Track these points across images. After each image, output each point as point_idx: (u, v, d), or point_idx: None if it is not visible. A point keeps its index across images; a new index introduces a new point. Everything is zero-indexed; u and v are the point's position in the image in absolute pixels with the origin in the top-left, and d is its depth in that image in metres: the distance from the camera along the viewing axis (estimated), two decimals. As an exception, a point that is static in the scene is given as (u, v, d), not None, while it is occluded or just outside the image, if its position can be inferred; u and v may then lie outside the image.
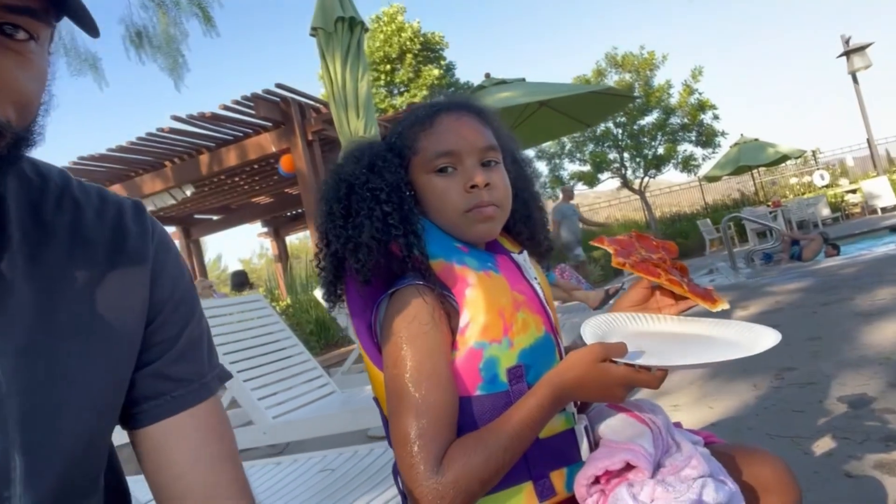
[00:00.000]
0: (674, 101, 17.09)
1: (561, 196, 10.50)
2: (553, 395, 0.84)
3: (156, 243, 0.70)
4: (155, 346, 0.68)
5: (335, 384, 3.37)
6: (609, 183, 18.86)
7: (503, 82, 6.52)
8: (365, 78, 3.96)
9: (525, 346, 0.91)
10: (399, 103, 17.64)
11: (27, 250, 0.59)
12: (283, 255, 13.48)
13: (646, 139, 17.21)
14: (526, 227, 1.08)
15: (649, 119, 17.22)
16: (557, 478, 0.90)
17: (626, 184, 17.86)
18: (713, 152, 17.52)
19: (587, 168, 17.77)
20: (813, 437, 2.23)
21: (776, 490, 0.97)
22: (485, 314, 0.89)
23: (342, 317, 4.41)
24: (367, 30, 4.20)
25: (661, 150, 17.28)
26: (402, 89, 18.11)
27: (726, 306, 0.97)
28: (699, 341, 0.93)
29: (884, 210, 14.81)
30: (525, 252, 1.04)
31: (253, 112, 7.44)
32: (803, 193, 17.98)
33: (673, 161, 17.44)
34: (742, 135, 17.04)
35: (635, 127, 17.09)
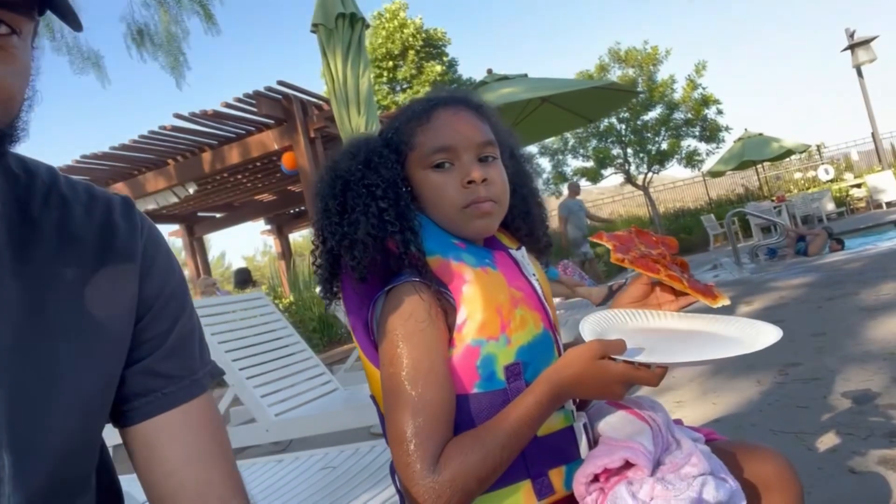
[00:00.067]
0: (677, 96, 17.03)
1: (567, 192, 10.45)
2: (551, 392, 0.83)
3: (145, 239, 0.69)
4: (145, 343, 0.67)
5: (338, 381, 3.37)
6: (612, 179, 18.84)
7: (505, 78, 6.49)
8: (366, 74, 3.95)
9: (523, 344, 0.90)
10: (401, 100, 17.63)
11: (14, 248, 0.59)
12: (286, 252, 13.49)
13: (649, 134, 17.15)
14: (525, 223, 1.07)
15: (653, 114, 17.16)
16: (556, 476, 0.89)
17: (629, 179, 17.81)
18: (717, 147, 17.46)
19: (590, 164, 17.73)
20: (817, 433, 2.21)
21: (778, 487, 0.96)
22: (482, 311, 0.88)
23: (342, 314, 4.41)
24: (367, 26, 4.18)
25: (664, 146, 17.22)
26: (404, 86, 18.09)
27: (727, 302, 0.96)
28: (700, 338, 0.92)
29: (889, 204, 14.75)
30: (523, 248, 1.03)
31: (255, 109, 7.43)
32: (808, 188, 17.91)
33: (677, 156, 17.38)
34: (746, 129, 16.98)
35: (639, 122, 17.04)
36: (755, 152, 15.96)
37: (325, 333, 6.34)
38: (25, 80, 0.55)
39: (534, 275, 1.00)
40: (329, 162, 1.00)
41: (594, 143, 17.56)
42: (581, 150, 17.88)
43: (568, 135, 17.46)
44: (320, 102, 7.85)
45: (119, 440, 0.72)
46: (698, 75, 16.94)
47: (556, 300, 5.19)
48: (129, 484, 0.82)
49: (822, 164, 18.60)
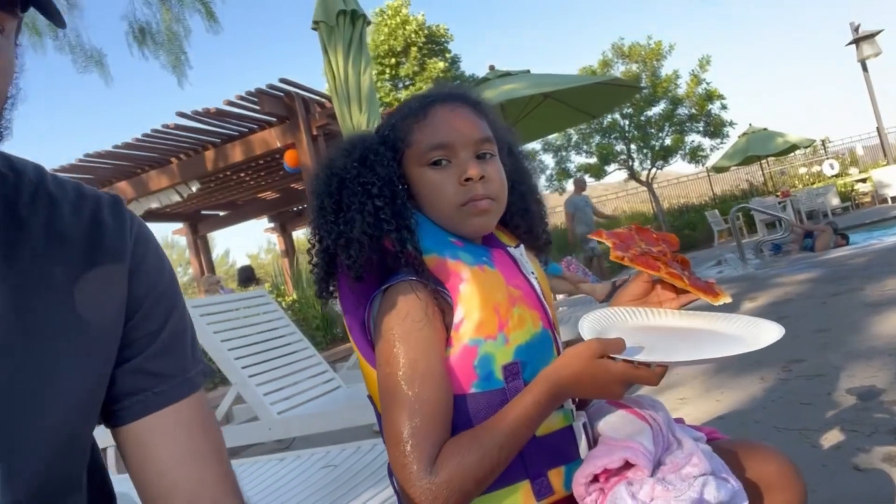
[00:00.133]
0: (681, 91, 16.97)
1: (573, 188, 10.41)
2: (549, 392, 0.82)
3: (134, 238, 0.69)
4: (136, 342, 0.66)
5: (340, 379, 3.37)
6: (616, 175, 18.79)
7: (507, 74, 6.47)
8: (367, 72, 3.93)
9: (521, 343, 0.89)
10: (404, 97, 17.59)
11: (1, 247, 0.58)
12: (289, 250, 13.50)
13: (653, 130, 17.11)
14: (523, 220, 1.06)
15: (656, 110, 17.11)
16: (555, 476, 0.88)
17: (633, 175, 17.77)
18: (721, 143, 17.40)
19: (594, 160, 17.69)
20: (821, 430, 2.20)
21: (781, 486, 0.95)
22: (479, 310, 0.87)
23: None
24: (369, 23, 4.17)
25: (668, 141, 17.17)
26: (406, 83, 18.07)
27: (728, 300, 0.94)
28: (701, 336, 0.91)
29: (894, 199, 14.66)
30: (522, 246, 1.02)
31: (257, 108, 7.42)
32: (813, 183, 17.83)
33: (681, 152, 17.33)
34: (750, 124, 16.90)
35: (642, 118, 16.99)
36: (760, 147, 15.89)
37: (328, 331, 6.34)
38: (8, 79, 0.55)
39: (532, 273, 0.99)
40: (325, 160, 0.99)
41: (597, 139, 17.52)
42: (584, 147, 17.85)
43: (571, 131, 17.43)
44: (322, 100, 7.83)
45: (112, 442, 0.71)
46: (702, 70, 16.88)
47: (560, 297, 5.18)
48: (127, 484, 0.82)
49: (827, 158, 18.51)
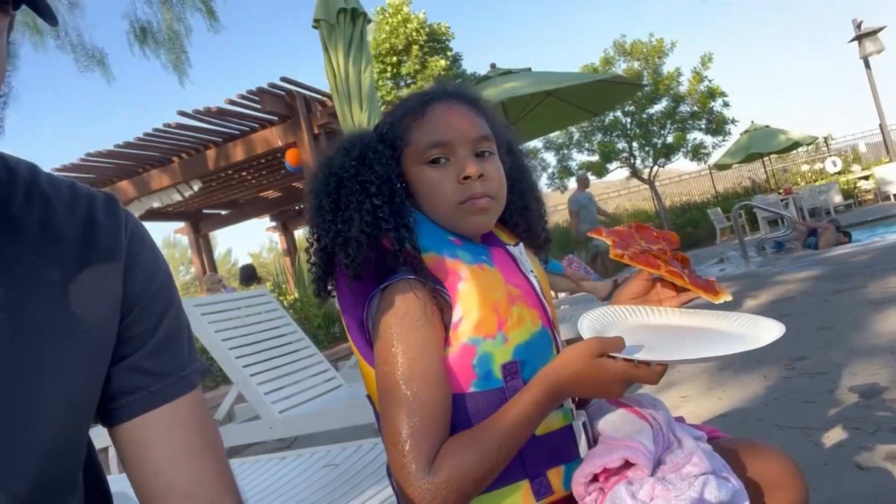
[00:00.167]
0: (683, 88, 16.93)
1: (576, 185, 10.38)
2: (548, 391, 0.81)
3: (129, 236, 0.68)
4: (131, 340, 0.66)
5: (342, 378, 3.37)
6: (618, 173, 18.76)
7: (509, 72, 6.45)
8: (368, 70, 3.93)
9: (520, 342, 0.88)
10: (406, 95, 17.46)
11: None
12: (291, 248, 13.50)
13: (655, 128, 17.07)
14: (523, 218, 1.06)
15: (658, 107, 17.08)
16: (555, 476, 0.88)
17: (635, 173, 17.74)
18: (723, 140, 17.36)
19: (595, 158, 17.66)
20: (823, 428, 2.19)
21: (782, 486, 0.95)
22: (478, 309, 0.87)
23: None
24: (369, 21, 4.16)
25: (670, 139, 17.13)
26: (408, 81, 18.04)
27: (729, 298, 0.94)
28: (701, 334, 0.91)
29: (897, 196, 14.64)
30: (521, 244, 1.02)
31: (259, 106, 7.42)
32: (815, 180, 17.79)
33: (682, 149, 17.30)
34: (753, 122, 16.84)
35: (644, 115, 16.96)
36: (762, 145, 15.83)
37: (329, 329, 6.34)
38: (1, 77, 0.54)
39: (532, 271, 0.98)
40: (323, 158, 0.98)
41: (599, 137, 17.49)
42: (586, 145, 17.82)
43: (573, 129, 17.41)
44: (324, 99, 7.83)
45: (107, 443, 0.71)
46: (704, 67, 16.84)
47: (562, 295, 5.17)
48: (126, 483, 0.82)
49: (830, 156, 18.47)
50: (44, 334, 0.58)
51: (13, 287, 0.57)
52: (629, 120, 17.07)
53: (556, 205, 21.99)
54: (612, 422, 0.91)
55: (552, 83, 6.18)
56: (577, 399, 0.97)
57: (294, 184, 11.16)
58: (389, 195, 0.91)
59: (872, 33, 14.41)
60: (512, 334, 0.88)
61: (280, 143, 7.92)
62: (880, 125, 15.55)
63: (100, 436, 0.83)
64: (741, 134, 16.81)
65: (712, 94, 16.77)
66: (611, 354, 0.80)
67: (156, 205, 8.78)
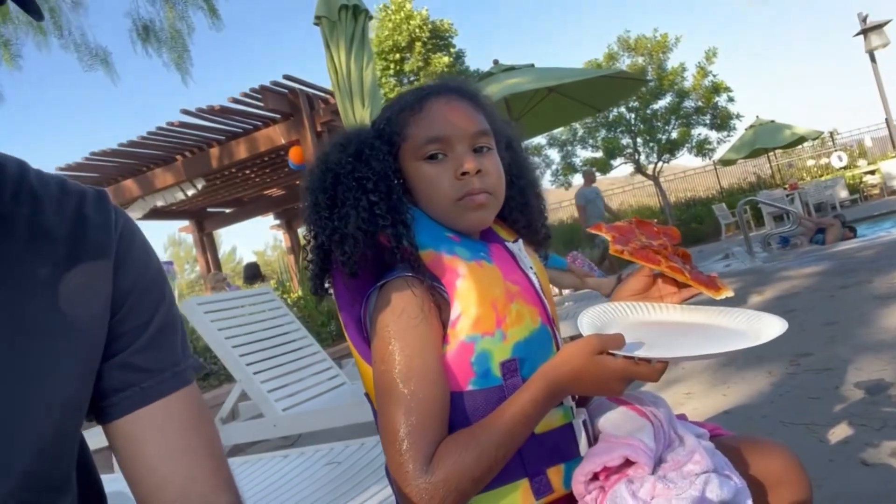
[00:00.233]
0: (688, 84, 16.87)
1: (582, 181, 10.33)
2: (547, 389, 0.80)
3: (119, 232, 0.67)
4: (122, 337, 0.65)
5: (346, 375, 3.36)
6: (622, 169, 18.73)
7: (512, 68, 6.43)
8: (370, 66, 3.91)
9: (519, 339, 0.87)
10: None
11: None
12: (295, 246, 13.51)
13: (659, 123, 17.03)
14: (522, 214, 1.04)
15: (662, 103, 17.04)
16: (555, 474, 0.87)
17: (639, 169, 17.70)
18: (728, 135, 17.30)
19: (599, 154, 17.62)
20: (829, 425, 2.18)
21: (785, 483, 0.93)
22: (476, 306, 0.86)
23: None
24: (371, 17, 4.15)
25: (674, 135, 17.09)
26: (411, 78, 18.02)
27: (731, 294, 0.93)
28: (702, 331, 0.90)
29: (903, 191, 14.56)
30: (520, 241, 1.00)
31: (262, 104, 7.42)
32: (821, 175, 17.71)
33: (687, 145, 17.25)
34: (758, 117, 16.78)
35: (648, 111, 16.91)
36: (767, 140, 15.77)
37: (333, 327, 6.34)
38: None
39: (531, 268, 0.97)
40: (320, 154, 0.97)
41: (603, 133, 17.46)
42: (590, 141, 17.80)
43: (577, 125, 17.38)
44: (326, 96, 7.82)
45: (104, 443, 0.70)
46: (709, 62, 16.78)
47: (566, 292, 5.15)
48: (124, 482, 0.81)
49: (836, 150, 18.39)
50: (35, 332, 0.58)
51: (2, 285, 0.57)
52: (633, 116, 17.03)
53: (561, 201, 21.98)
54: (613, 420, 0.90)
55: (555, 79, 6.15)
56: (576, 397, 0.96)
57: (297, 182, 11.15)
58: (386, 191, 0.90)
59: (878, 27, 14.32)
60: (511, 331, 0.87)
61: (283, 141, 7.92)
62: (886, 119, 15.47)
63: (99, 435, 0.82)
64: (746, 129, 16.75)
65: (717, 89, 16.72)
66: (611, 352, 0.79)
67: (160, 203, 8.79)
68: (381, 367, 0.83)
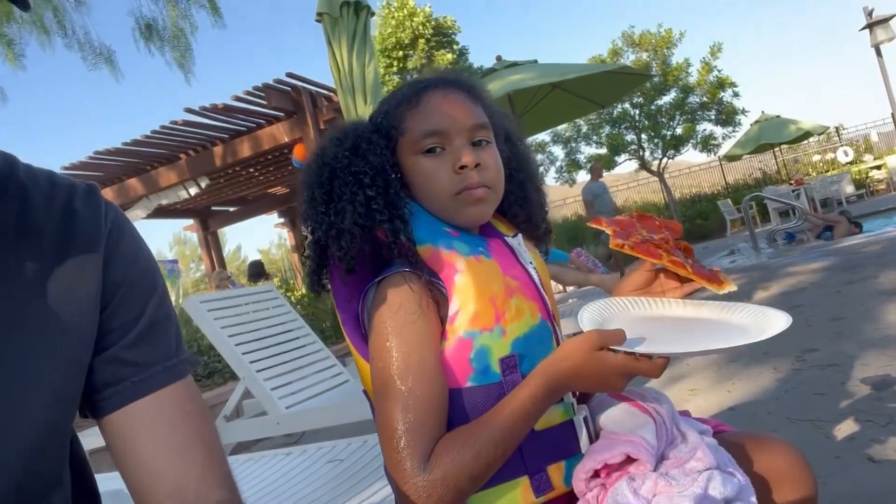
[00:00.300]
0: (692, 79, 16.79)
1: (590, 175, 10.29)
2: (547, 385, 0.79)
3: (109, 225, 0.67)
4: (113, 331, 0.65)
5: (349, 373, 3.36)
6: (627, 165, 18.68)
7: (514, 65, 6.41)
8: (372, 63, 3.90)
9: (519, 335, 0.86)
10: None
11: None
12: (299, 245, 13.52)
13: (664, 119, 16.96)
14: (522, 209, 1.03)
15: (667, 98, 16.96)
16: (555, 472, 0.86)
17: (644, 166, 17.64)
18: (733, 131, 17.22)
19: (604, 151, 17.57)
20: (835, 421, 2.16)
21: (790, 480, 0.92)
22: (474, 301, 0.85)
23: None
24: (373, 14, 4.14)
25: (679, 130, 17.02)
26: (415, 76, 17.99)
27: (734, 288, 0.91)
28: (705, 326, 0.88)
29: (910, 186, 14.47)
30: (520, 235, 0.99)
31: (265, 102, 7.41)
32: (827, 171, 17.62)
33: (692, 141, 17.18)
34: (763, 112, 16.68)
35: (653, 107, 16.84)
36: (772, 135, 15.68)
37: (337, 325, 6.34)
38: None
39: (531, 263, 0.96)
40: (317, 149, 0.96)
41: (607, 129, 17.39)
42: (594, 137, 17.74)
43: (581, 121, 17.32)
44: (329, 94, 7.80)
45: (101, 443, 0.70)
46: (714, 58, 16.69)
47: (570, 289, 5.13)
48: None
49: (842, 145, 18.28)
50: (24, 328, 0.57)
51: None
52: (638, 112, 16.96)
53: (565, 198, 21.93)
54: (614, 416, 0.89)
55: (558, 75, 6.13)
56: (577, 393, 0.95)
57: (302, 180, 11.14)
58: (384, 186, 0.89)
59: (884, 21, 14.21)
60: (510, 327, 0.86)
61: (287, 139, 7.91)
62: (892, 114, 15.35)
63: (99, 435, 0.82)
64: (751, 124, 16.67)
65: (722, 84, 16.63)
66: (611, 347, 0.78)
67: (164, 202, 8.80)
68: (379, 364, 0.82)
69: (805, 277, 5.14)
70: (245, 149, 8.17)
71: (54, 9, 7.52)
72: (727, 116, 16.87)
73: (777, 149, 17.65)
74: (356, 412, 2.71)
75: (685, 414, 1.00)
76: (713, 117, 17.04)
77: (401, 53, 17.75)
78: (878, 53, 14.67)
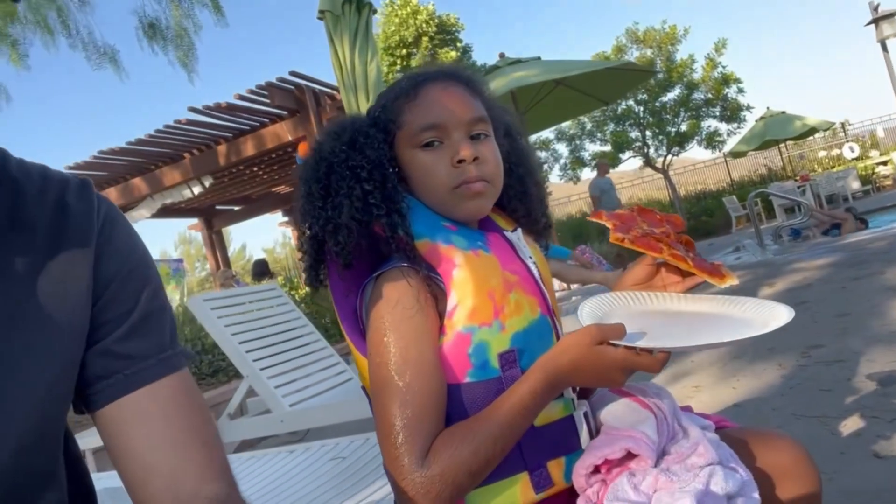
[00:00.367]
0: (697, 75, 16.73)
1: (596, 171, 10.27)
2: (546, 380, 0.78)
3: (101, 219, 0.66)
4: (105, 324, 0.64)
5: (353, 371, 3.36)
6: (631, 162, 18.63)
7: (518, 62, 6.40)
8: (374, 60, 3.90)
9: (518, 330, 0.85)
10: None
11: None
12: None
13: (668, 116, 16.90)
14: (522, 203, 1.02)
15: (671, 95, 16.90)
16: (555, 468, 0.85)
17: (648, 163, 17.59)
18: (738, 127, 17.15)
19: (608, 148, 17.52)
20: (840, 417, 2.15)
21: (794, 475, 0.91)
22: (473, 296, 0.84)
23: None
24: (374, 11, 4.13)
25: (684, 127, 16.96)
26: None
27: (735, 282, 0.90)
28: (707, 320, 0.87)
29: (916, 181, 14.39)
30: (519, 230, 0.98)
31: (268, 101, 7.42)
32: (832, 167, 17.54)
33: (697, 138, 17.12)
34: (768, 108, 16.59)
35: (657, 104, 16.79)
36: (778, 131, 15.60)
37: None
38: None
39: (531, 257, 0.95)
40: (314, 144, 0.96)
41: (612, 126, 17.34)
42: (598, 134, 17.69)
43: (585, 119, 17.29)
44: (332, 92, 7.80)
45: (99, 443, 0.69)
46: (718, 54, 16.62)
47: (574, 286, 5.11)
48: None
49: (847, 141, 18.20)
50: (13, 325, 0.57)
51: None
52: (642, 108, 16.91)
53: (570, 195, 21.88)
54: (615, 412, 0.88)
55: (562, 71, 6.12)
56: (578, 388, 0.94)
57: (306, 178, 11.14)
58: (381, 180, 0.88)
59: (890, 16, 14.11)
60: (509, 322, 0.85)
61: (290, 138, 7.92)
62: (899, 109, 15.27)
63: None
64: (756, 120, 16.58)
65: (726, 80, 16.57)
66: (611, 342, 0.77)
67: (169, 201, 8.82)
68: (376, 360, 0.82)
69: (811, 274, 5.11)
70: (249, 147, 8.18)
71: (58, 9, 7.54)
72: (732, 113, 16.80)
73: (782, 145, 17.57)
74: (360, 410, 2.70)
75: (687, 409, 0.99)
76: (718, 114, 16.98)
77: (404, 52, 17.72)
78: (884, 48, 14.57)
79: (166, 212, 10.17)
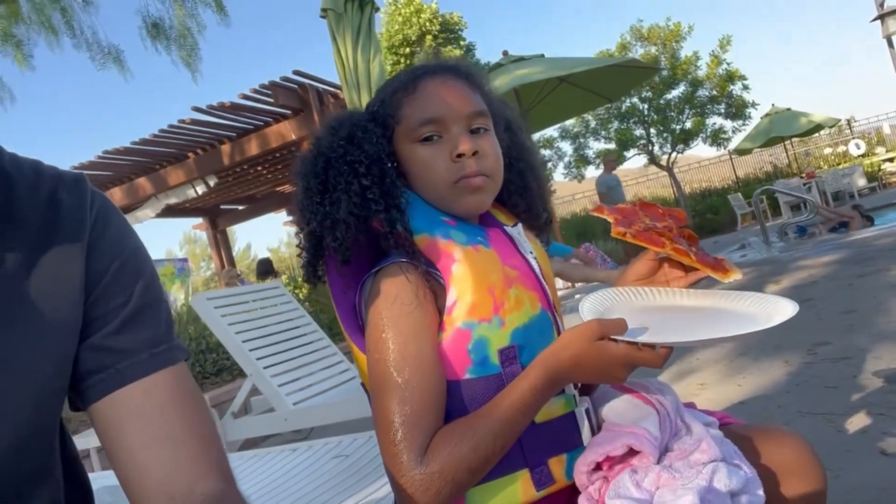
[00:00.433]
0: (701, 72, 16.66)
1: (603, 167, 10.21)
2: (546, 376, 0.77)
3: (94, 213, 0.66)
4: (98, 319, 0.63)
5: (356, 369, 3.35)
6: (636, 160, 18.56)
7: (521, 59, 6.38)
8: (377, 58, 3.89)
9: (518, 325, 0.84)
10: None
11: None
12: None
13: (673, 113, 16.83)
14: (522, 198, 1.01)
15: (676, 92, 16.83)
16: (556, 465, 0.84)
17: (653, 160, 17.52)
18: (743, 124, 17.06)
19: (612, 146, 17.47)
20: (846, 414, 2.13)
21: (798, 472, 0.90)
22: (472, 292, 0.83)
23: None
24: (377, 9, 4.12)
25: (688, 124, 16.88)
26: (421, 71, 17.91)
27: (739, 276, 0.89)
28: (709, 315, 0.86)
29: (923, 178, 14.30)
30: (519, 225, 0.97)
31: (272, 100, 7.42)
32: (838, 164, 17.45)
33: (702, 135, 17.04)
34: (773, 105, 16.52)
35: (661, 101, 16.72)
36: (783, 128, 15.52)
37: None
38: None
39: (531, 252, 0.94)
40: (312, 139, 0.95)
41: (616, 124, 17.29)
42: (603, 132, 17.63)
43: (589, 116, 17.23)
44: (336, 91, 7.80)
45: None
46: (723, 50, 16.54)
47: (578, 285, 5.09)
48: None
49: (853, 138, 18.10)
50: (6, 319, 0.56)
51: None
52: (646, 106, 16.85)
53: (574, 193, 21.83)
54: (617, 408, 0.87)
55: (565, 69, 6.10)
56: (579, 385, 0.93)
57: (310, 177, 11.14)
58: (379, 175, 0.88)
59: (895, 12, 14.03)
60: (509, 318, 0.84)
61: (294, 137, 7.92)
62: (905, 105, 15.18)
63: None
64: (762, 117, 16.49)
65: (731, 77, 16.48)
66: (612, 337, 0.76)
67: (173, 201, 8.84)
68: (375, 356, 0.81)
69: (816, 271, 5.08)
70: (253, 147, 8.19)
71: (62, 9, 7.55)
72: (737, 110, 16.72)
73: (788, 142, 17.48)
74: (363, 408, 2.70)
75: (690, 406, 0.98)
76: (723, 111, 16.90)
77: (408, 50, 17.71)
78: (890, 44, 14.48)
79: (171, 211, 10.19)
